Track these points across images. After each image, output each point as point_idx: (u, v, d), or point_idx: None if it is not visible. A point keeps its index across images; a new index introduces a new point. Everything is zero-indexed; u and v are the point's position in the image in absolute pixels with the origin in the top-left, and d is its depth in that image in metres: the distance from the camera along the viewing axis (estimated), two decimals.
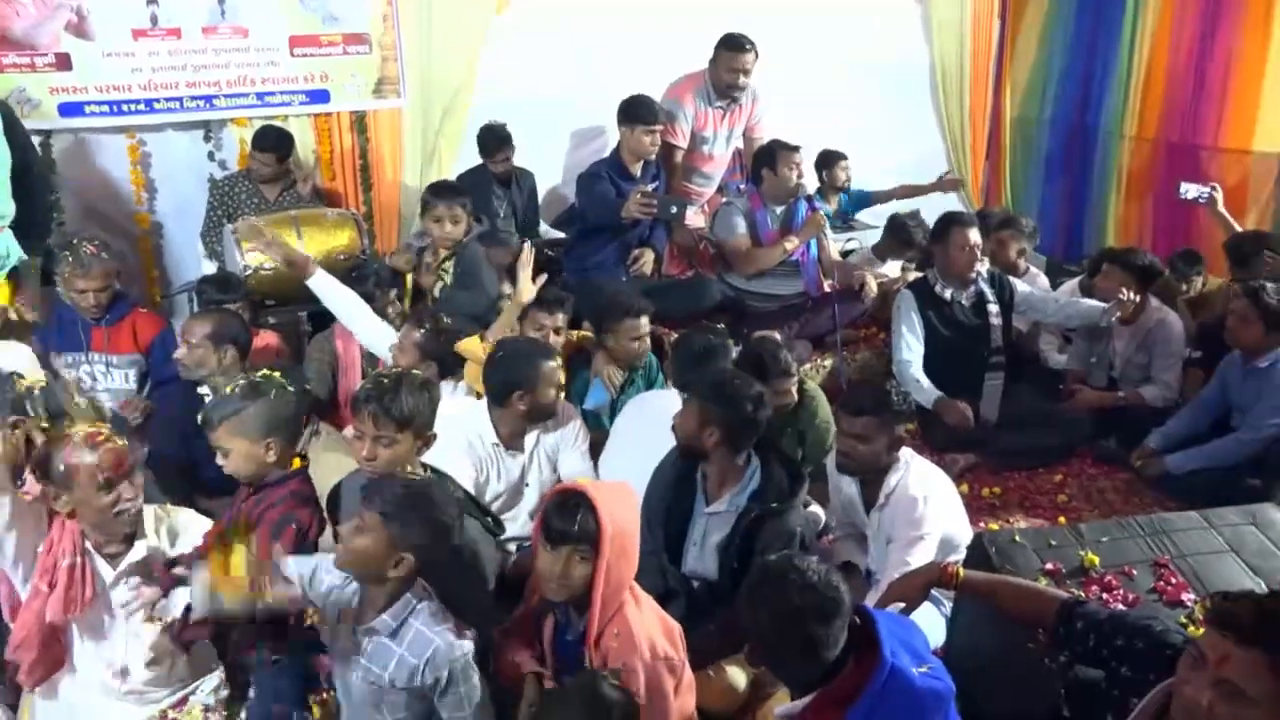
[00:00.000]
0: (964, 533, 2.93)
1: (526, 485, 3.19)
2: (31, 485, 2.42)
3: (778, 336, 3.81)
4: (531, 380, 3.05)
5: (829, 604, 1.91)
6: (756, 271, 4.41)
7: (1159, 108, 5.68)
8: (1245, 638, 1.58)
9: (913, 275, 4.72)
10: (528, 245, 3.57)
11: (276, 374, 2.60)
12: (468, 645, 2.15)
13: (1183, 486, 3.64)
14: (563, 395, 3.29)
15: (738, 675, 2.64)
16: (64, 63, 4.42)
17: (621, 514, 2.26)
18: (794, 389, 3.44)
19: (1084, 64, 6.19)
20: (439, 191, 4.04)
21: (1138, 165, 5.87)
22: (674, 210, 4.31)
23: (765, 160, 4.43)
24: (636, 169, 4.44)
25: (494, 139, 4.99)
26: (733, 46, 4.53)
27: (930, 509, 2.83)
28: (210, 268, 4.54)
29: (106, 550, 2.42)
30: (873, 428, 2.81)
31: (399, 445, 2.51)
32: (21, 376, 2.56)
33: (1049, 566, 2.47)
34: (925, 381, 4.08)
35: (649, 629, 2.27)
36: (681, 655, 2.32)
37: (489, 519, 2.80)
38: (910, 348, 4.15)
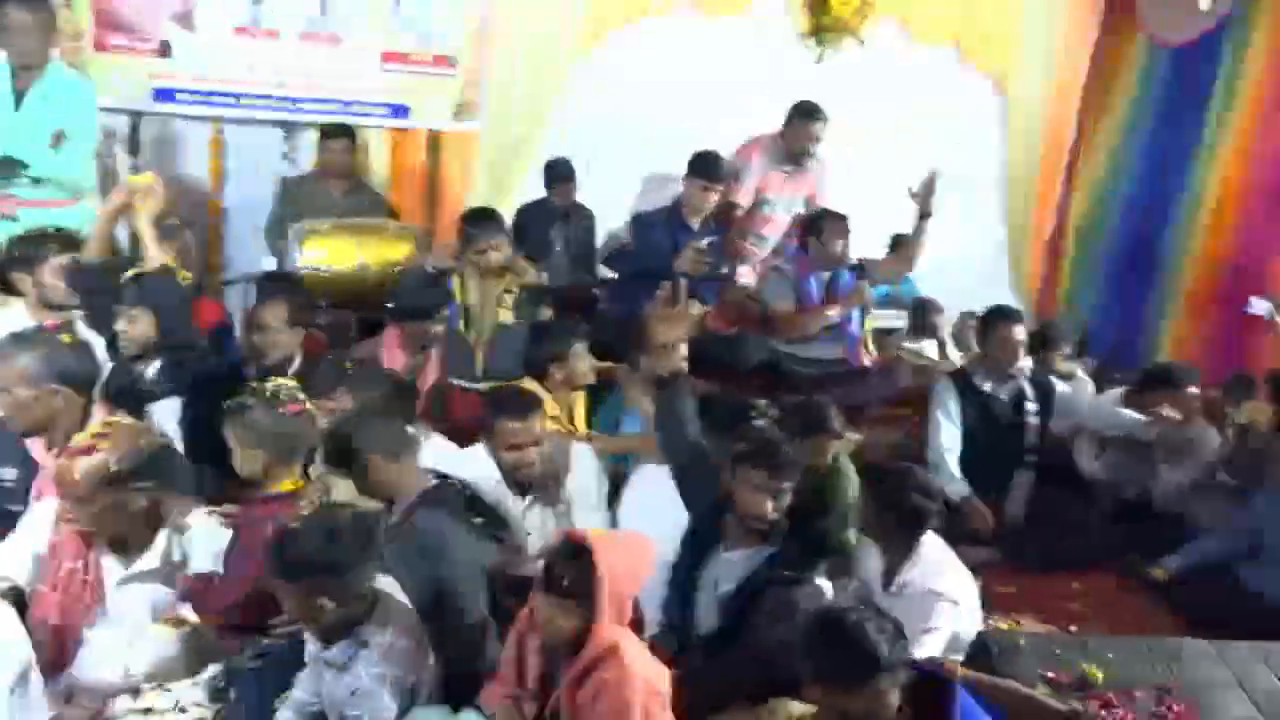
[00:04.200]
0: (975, 629, 2.90)
1: (528, 534, 3.14)
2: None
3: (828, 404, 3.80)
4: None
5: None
6: (796, 336, 4.44)
7: (1230, 228, 5.64)
8: None
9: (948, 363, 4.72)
10: None
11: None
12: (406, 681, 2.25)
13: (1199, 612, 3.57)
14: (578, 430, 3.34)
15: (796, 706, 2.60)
16: (164, 50, 4.62)
17: (627, 570, 2.28)
18: (832, 452, 3.44)
19: (1156, 176, 6.17)
20: (477, 220, 4.03)
21: (1202, 283, 5.82)
22: (724, 271, 4.37)
23: (813, 228, 4.49)
24: (694, 222, 4.51)
25: (558, 172, 5.09)
26: (807, 114, 4.62)
27: (944, 604, 2.82)
28: (270, 263, 4.67)
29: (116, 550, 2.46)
30: None
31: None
32: None
33: (1050, 675, 2.45)
34: (959, 474, 4.06)
35: (643, 666, 2.28)
36: (670, 695, 2.32)
37: (488, 520, 2.83)
38: (949, 436, 4.13)
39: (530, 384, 3.53)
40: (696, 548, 2.85)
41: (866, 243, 5.47)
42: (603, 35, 5.41)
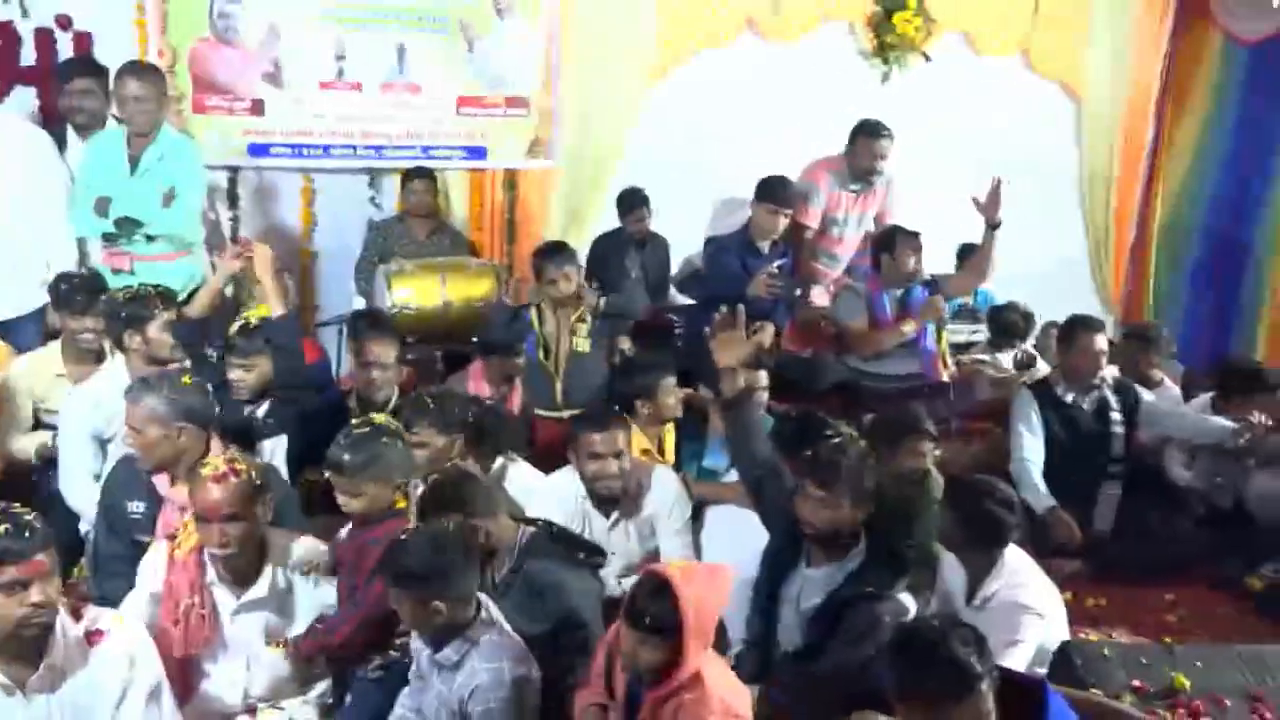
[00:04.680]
0: (1061, 640, 2.91)
1: (612, 554, 3.22)
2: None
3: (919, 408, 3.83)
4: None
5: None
6: (871, 352, 4.48)
7: None
8: None
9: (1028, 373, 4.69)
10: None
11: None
12: (508, 675, 2.34)
13: None
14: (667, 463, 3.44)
15: None
16: (257, 108, 4.90)
17: (708, 605, 2.35)
18: (929, 452, 3.48)
19: (1240, 175, 6.04)
20: (549, 253, 4.20)
21: None
22: (797, 293, 4.44)
23: (884, 245, 4.54)
24: (763, 245, 4.60)
25: (631, 200, 5.22)
26: (871, 133, 4.67)
27: (1029, 616, 2.83)
28: (360, 303, 4.89)
29: (229, 579, 2.62)
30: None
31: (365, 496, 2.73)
32: None
33: (1136, 684, 2.45)
34: (1042, 486, 4.04)
35: (723, 687, 2.35)
36: (750, 717, 2.39)
37: (583, 552, 2.96)
38: (1031, 448, 4.12)
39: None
40: (775, 566, 2.91)
41: (940, 258, 5.51)
42: (670, 68, 5.53)
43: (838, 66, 5.79)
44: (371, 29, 4.95)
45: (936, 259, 5.47)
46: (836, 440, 2.96)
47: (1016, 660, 2.72)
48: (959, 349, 5.35)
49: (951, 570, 3.08)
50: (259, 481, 2.57)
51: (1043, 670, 2.67)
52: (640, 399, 3.71)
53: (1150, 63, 6.23)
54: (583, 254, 5.38)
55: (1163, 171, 6.50)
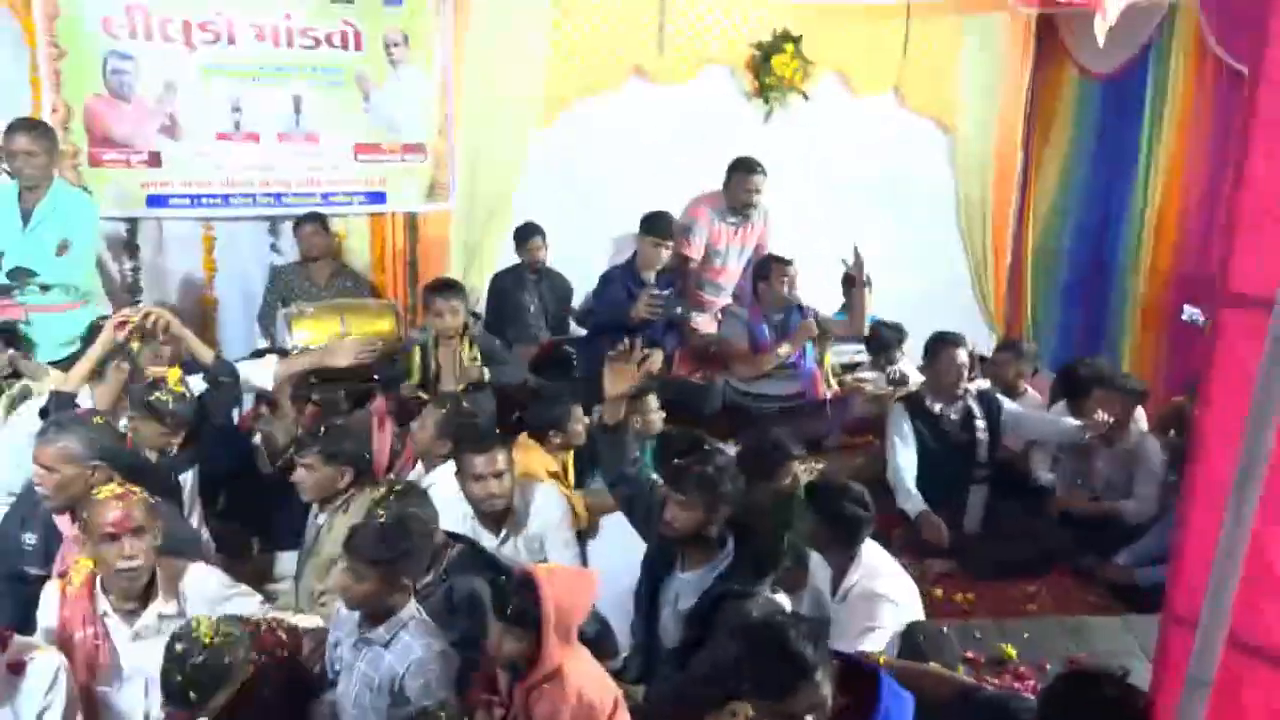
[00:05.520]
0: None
1: None
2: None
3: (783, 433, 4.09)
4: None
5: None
6: (754, 375, 4.73)
7: (1172, 242, 5.92)
8: None
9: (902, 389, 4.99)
10: None
11: None
12: (437, 649, 2.59)
13: (1152, 601, 3.78)
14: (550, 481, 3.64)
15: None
16: (155, 160, 5.02)
17: (570, 601, 2.53)
18: (798, 471, 3.73)
19: (1102, 197, 6.48)
20: (437, 289, 4.46)
21: (1152, 297, 6.08)
22: (679, 311, 4.70)
23: (761, 273, 4.82)
24: (649, 276, 4.85)
25: (525, 231, 5.50)
26: (745, 169, 4.96)
27: (884, 604, 3.07)
28: (263, 346, 5.00)
29: (123, 609, 2.74)
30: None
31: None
32: None
33: (970, 655, 2.68)
34: (915, 492, 4.31)
35: (581, 681, 2.53)
36: (608, 709, 2.57)
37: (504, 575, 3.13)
38: (904, 457, 4.39)
39: (529, 443, 3.86)
40: (652, 571, 3.12)
41: (824, 286, 5.82)
42: (561, 111, 5.78)
43: (721, 107, 6.10)
44: (267, 82, 5.12)
45: (820, 287, 5.81)
46: (702, 452, 3.18)
47: (875, 643, 2.95)
48: (846, 369, 5.66)
49: (819, 569, 3.31)
50: (152, 502, 2.70)
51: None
52: (553, 428, 3.94)
53: (1016, 97, 6.65)
54: (484, 291, 5.63)
55: (1033, 198, 6.94)
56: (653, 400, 4.10)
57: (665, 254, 4.80)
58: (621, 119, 5.91)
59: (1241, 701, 1.95)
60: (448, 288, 4.41)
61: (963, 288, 6.93)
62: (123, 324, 3.47)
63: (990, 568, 4.16)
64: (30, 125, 4.16)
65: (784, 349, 4.73)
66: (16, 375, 3.95)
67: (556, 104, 5.77)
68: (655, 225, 4.79)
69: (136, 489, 2.71)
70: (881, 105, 6.46)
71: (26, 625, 2.79)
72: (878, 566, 3.15)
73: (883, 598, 3.05)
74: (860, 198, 6.41)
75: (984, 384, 4.87)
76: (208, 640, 2.43)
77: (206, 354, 3.63)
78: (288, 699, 2.72)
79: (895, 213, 6.49)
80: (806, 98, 6.17)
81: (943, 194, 6.78)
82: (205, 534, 3.64)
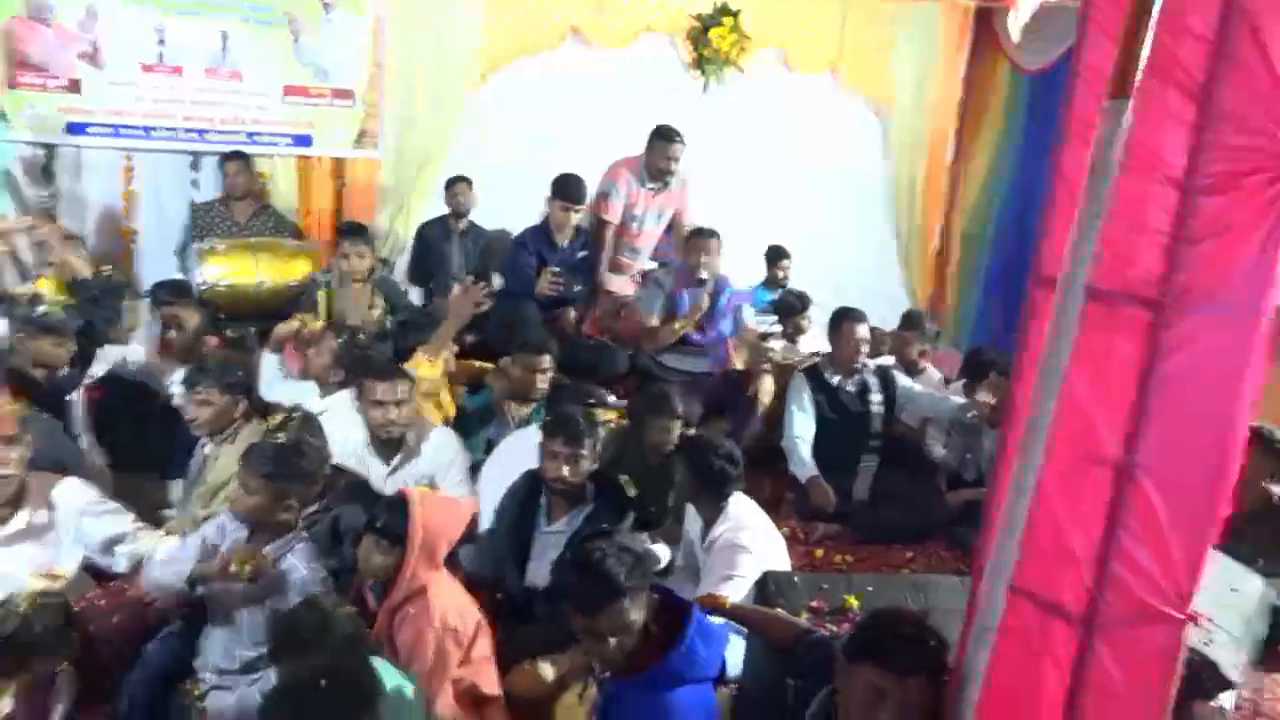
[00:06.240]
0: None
1: None
2: None
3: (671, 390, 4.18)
4: None
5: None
6: (655, 346, 4.80)
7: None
8: (906, 670, 1.94)
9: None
10: None
11: None
12: (321, 574, 2.68)
13: None
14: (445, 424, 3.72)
15: (547, 669, 2.96)
16: (74, 87, 4.98)
17: (438, 523, 2.65)
18: (674, 434, 3.81)
19: (1026, 191, 6.63)
20: (345, 232, 4.57)
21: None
22: (577, 289, 4.83)
23: (686, 245, 4.90)
24: (561, 239, 4.90)
25: (453, 178, 5.54)
26: (664, 136, 5.01)
27: (745, 555, 3.18)
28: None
29: None
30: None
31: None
32: None
33: (814, 604, 2.81)
34: (808, 458, 4.43)
35: (445, 605, 2.63)
36: (470, 633, 2.66)
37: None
38: (801, 425, 4.51)
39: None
40: (517, 527, 3.25)
41: (752, 260, 5.92)
42: (496, 69, 5.81)
43: (659, 76, 6.17)
44: (193, 14, 5.10)
45: (748, 260, 5.91)
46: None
47: (735, 590, 3.06)
48: (761, 339, 5.75)
49: (692, 522, 3.42)
50: (24, 415, 2.74)
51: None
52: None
53: (951, 84, 6.78)
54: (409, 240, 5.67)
55: (962, 185, 7.09)
56: (545, 360, 4.08)
57: (574, 218, 4.85)
58: (558, 80, 5.95)
59: (1038, 651, 2.09)
60: (354, 232, 4.47)
61: (889, 269, 7.06)
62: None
63: (871, 532, 4.30)
64: None
65: (678, 324, 4.78)
66: None
67: (492, 61, 5.79)
68: (566, 189, 4.83)
69: (6, 401, 2.75)
70: (818, 84, 6.55)
71: None
72: (743, 519, 3.26)
73: (744, 549, 3.16)
74: (793, 174, 6.52)
75: (887, 360, 5.00)
76: (23, 607, 2.46)
77: (83, 269, 3.64)
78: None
79: (826, 191, 6.61)
80: (742, 71, 6.23)
81: (874, 175, 6.90)
82: (98, 458, 3.70)
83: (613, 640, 2.16)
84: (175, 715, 2.70)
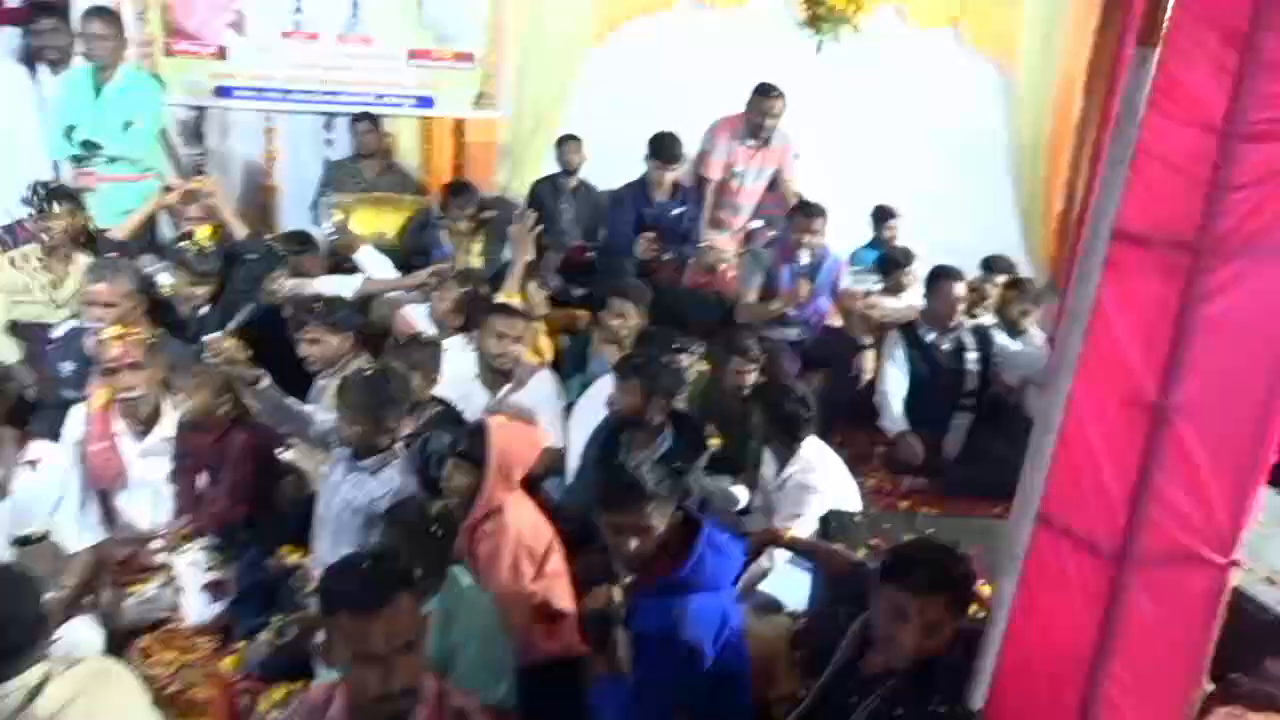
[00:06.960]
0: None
1: None
2: None
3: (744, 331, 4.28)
4: None
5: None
6: (750, 320, 4.82)
7: None
8: (925, 590, 2.05)
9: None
10: None
11: None
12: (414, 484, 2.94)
13: None
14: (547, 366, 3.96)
15: (617, 592, 3.14)
16: (221, 54, 5.42)
17: (513, 447, 2.87)
18: (750, 375, 3.94)
19: None
20: (455, 191, 4.96)
21: None
22: (666, 256, 5.01)
23: (791, 218, 4.97)
24: (658, 195, 5.03)
25: (565, 137, 5.71)
26: (763, 93, 5.08)
27: (811, 495, 3.30)
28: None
29: (134, 429, 3.22)
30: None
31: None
32: None
33: (875, 542, 2.90)
34: (899, 413, 4.50)
35: (520, 523, 2.85)
36: (543, 550, 2.87)
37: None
38: (894, 380, 4.56)
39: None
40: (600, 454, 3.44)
41: (861, 223, 5.91)
42: (613, 29, 5.94)
43: (773, 35, 6.16)
44: None
45: (856, 225, 5.90)
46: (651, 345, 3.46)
47: (802, 529, 3.19)
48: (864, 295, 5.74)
49: (767, 464, 3.55)
50: (153, 341, 3.11)
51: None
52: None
53: (1081, 44, 6.50)
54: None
55: (1089, 148, 6.80)
56: (629, 307, 4.24)
57: (669, 177, 4.98)
58: (673, 40, 6.03)
59: (1066, 583, 2.15)
60: (460, 191, 4.81)
61: (1008, 230, 6.86)
62: (170, 189, 3.94)
63: (959, 486, 4.32)
64: (102, 11, 4.61)
65: (775, 305, 4.84)
66: (90, 238, 4.39)
67: (609, 21, 5.93)
68: (661, 148, 4.96)
69: (135, 329, 3.12)
70: (939, 40, 6.41)
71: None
72: (813, 461, 3.37)
73: (813, 489, 3.28)
74: (910, 135, 6.42)
75: (988, 319, 4.95)
76: None
77: (239, 230, 4.02)
78: None
79: (945, 153, 6.47)
80: (856, 30, 6.18)
81: (996, 134, 6.70)
82: None
83: (633, 541, 2.34)
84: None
